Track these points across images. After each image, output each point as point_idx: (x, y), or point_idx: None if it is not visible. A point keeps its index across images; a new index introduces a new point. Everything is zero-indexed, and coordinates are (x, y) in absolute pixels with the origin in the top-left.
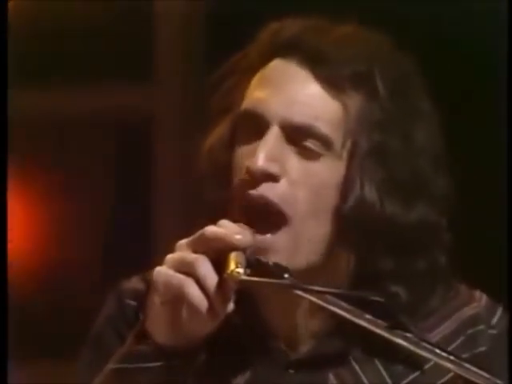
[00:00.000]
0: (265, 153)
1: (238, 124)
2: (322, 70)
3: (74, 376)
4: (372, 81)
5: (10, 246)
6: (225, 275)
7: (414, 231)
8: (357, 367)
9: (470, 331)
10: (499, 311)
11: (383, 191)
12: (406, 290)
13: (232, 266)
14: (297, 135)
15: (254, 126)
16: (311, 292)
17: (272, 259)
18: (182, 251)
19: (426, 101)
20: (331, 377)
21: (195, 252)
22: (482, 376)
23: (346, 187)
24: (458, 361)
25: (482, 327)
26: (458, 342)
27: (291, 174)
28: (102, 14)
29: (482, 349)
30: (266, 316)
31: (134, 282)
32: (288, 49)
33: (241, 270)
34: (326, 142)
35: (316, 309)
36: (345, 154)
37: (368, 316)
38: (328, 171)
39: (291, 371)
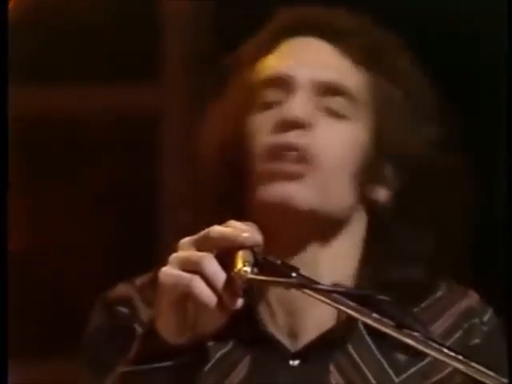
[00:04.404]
0: (298, 103)
1: (259, 90)
2: (342, 44)
3: (73, 376)
4: (381, 54)
5: (10, 245)
6: (232, 274)
7: None
8: (356, 357)
9: (465, 325)
10: (490, 310)
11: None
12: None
13: (239, 264)
14: (325, 93)
15: (280, 90)
16: (318, 291)
17: (303, 207)
18: (186, 250)
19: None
20: (332, 368)
21: (199, 251)
22: (489, 375)
23: (365, 155)
24: (466, 360)
25: (476, 320)
26: (456, 335)
27: (320, 129)
28: (107, 11)
29: (476, 341)
30: (269, 307)
31: (121, 289)
32: (306, 28)
33: (248, 269)
34: (352, 100)
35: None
36: (363, 124)
37: (375, 315)
38: (351, 134)
39: (292, 363)
